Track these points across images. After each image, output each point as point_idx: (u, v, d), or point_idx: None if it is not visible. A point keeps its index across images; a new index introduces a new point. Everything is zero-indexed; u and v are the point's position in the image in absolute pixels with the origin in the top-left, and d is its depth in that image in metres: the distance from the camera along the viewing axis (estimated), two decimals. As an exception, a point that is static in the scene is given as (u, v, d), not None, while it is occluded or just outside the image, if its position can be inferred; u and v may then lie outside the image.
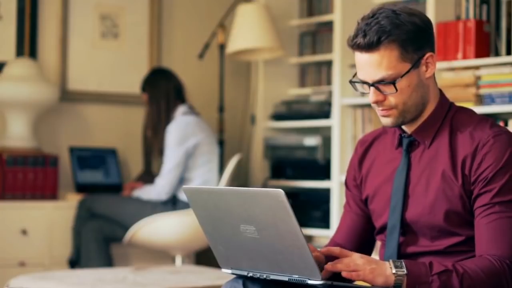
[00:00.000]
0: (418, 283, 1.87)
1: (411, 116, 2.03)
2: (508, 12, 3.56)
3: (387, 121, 2.04)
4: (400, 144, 2.11)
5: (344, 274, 1.88)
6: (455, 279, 1.88)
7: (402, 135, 2.10)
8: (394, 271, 1.87)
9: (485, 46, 3.62)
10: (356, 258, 1.89)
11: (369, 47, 1.96)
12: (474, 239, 1.98)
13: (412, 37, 1.97)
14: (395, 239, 2.07)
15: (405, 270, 1.87)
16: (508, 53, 3.56)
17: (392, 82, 1.97)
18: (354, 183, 2.22)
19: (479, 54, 3.60)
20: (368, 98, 2.03)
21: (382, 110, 2.02)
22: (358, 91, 2.09)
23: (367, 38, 1.95)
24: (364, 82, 2.01)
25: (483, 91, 3.54)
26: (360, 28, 1.98)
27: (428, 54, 2.01)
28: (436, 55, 2.04)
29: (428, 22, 2.02)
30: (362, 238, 2.22)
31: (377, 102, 2.01)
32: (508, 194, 1.94)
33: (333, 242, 2.23)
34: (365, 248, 2.22)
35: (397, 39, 1.95)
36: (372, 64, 1.97)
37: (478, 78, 3.56)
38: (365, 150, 2.20)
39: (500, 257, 1.91)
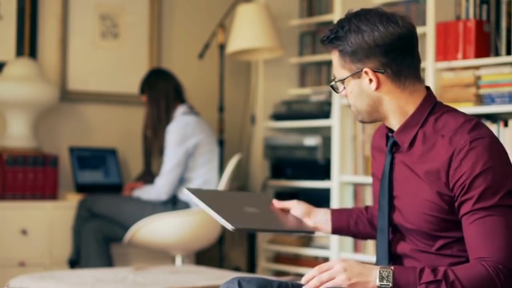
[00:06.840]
0: None
1: (369, 118, 2.09)
2: (508, 12, 3.56)
3: None
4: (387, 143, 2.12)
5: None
6: None
7: (389, 134, 2.10)
8: (378, 284, 1.85)
9: (485, 46, 3.62)
10: (335, 263, 1.89)
11: (322, 43, 2.08)
12: (463, 240, 1.95)
13: (352, 50, 2.01)
14: (385, 240, 2.08)
15: (390, 283, 1.84)
16: (508, 53, 3.55)
17: (335, 82, 2.08)
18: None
19: (479, 54, 3.60)
20: None
21: None
22: None
23: (323, 35, 2.08)
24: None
25: (483, 91, 3.54)
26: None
27: (365, 69, 2.01)
28: (376, 74, 2.00)
29: (389, 40, 1.98)
30: None
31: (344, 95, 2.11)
32: (489, 199, 1.90)
33: (369, 212, 2.36)
34: None
35: (337, 47, 2.03)
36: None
37: (478, 78, 3.56)
38: (373, 138, 2.26)
39: (492, 262, 1.87)
